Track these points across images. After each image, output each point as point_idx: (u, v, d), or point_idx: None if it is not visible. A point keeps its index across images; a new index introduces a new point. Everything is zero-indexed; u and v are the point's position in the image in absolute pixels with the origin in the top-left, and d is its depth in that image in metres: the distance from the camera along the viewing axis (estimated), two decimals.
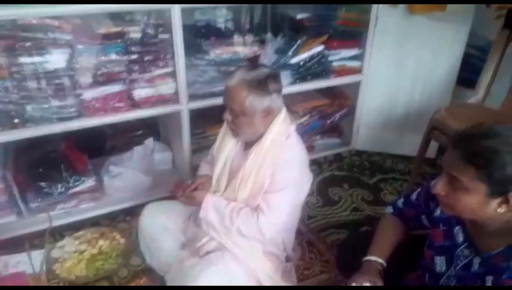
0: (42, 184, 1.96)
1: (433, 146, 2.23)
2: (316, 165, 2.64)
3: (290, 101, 2.44)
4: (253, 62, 2.14)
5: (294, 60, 2.25)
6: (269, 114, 1.51)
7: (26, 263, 1.67)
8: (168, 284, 1.65)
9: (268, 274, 1.61)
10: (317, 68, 2.34)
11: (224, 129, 1.66)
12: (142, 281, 1.77)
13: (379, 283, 1.35)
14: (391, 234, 1.48)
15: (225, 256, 1.53)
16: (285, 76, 2.24)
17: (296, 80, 2.30)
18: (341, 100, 2.60)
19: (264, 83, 1.46)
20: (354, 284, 1.33)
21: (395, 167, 2.68)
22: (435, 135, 2.11)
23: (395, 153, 2.75)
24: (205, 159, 1.81)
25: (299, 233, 2.04)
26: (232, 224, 1.51)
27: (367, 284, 1.31)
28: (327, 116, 2.58)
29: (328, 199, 2.37)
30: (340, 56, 2.40)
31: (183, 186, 1.61)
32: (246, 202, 1.55)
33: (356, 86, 2.52)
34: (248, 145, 1.58)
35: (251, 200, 1.54)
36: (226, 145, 1.63)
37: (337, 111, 2.59)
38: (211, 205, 1.56)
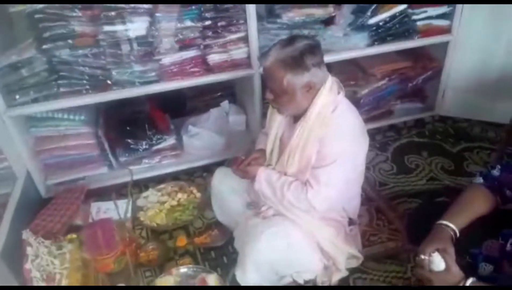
0: (129, 140, 2.18)
1: None
2: (393, 130, 2.52)
3: (367, 63, 2.34)
4: (326, 22, 2.06)
5: (372, 21, 2.12)
6: (311, 89, 1.45)
7: (114, 210, 1.89)
8: (236, 239, 1.76)
9: (329, 239, 1.63)
10: (398, 29, 2.19)
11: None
12: (214, 233, 1.90)
13: (450, 250, 1.29)
14: (475, 205, 1.39)
15: (285, 220, 1.57)
16: (362, 38, 2.13)
17: (374, 41, 2.18)
18: (426, 62, 2.41)
19: (300, 59, 1.39)
20: (422, 257, 1.30)
21: (484, 135, 2.46)
22: None
23: (485, 120, 2.51)
24: (263, 130, 1.83)
25: (368, 199, 2.02)
26: (284, 197, 1.53)
27: (436, 253, 1.27)
28: (408, 79, 2.42)
29: (404, 167, 2.27)
30: (426, 14, 2.20)
31: (238, 161, 1.66)
32: (297, 176, 1.55)
33: (443, 47, 2.31)
34: (296, 118, 1.55)
35: (300, 175, 1.53)
36: (275, 119, 1.62)
37: (420, 74, 2.41)
38: (264, 179, 1.58)
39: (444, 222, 1.36)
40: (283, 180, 1.55)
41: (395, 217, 1.95)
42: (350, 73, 2.27)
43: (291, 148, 1.52)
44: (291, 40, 1.44)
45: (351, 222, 1.72)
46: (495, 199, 1.40)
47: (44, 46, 1.79)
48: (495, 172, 1.41)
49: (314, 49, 1.43)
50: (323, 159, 1.46)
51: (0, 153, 1.86)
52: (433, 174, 2.21)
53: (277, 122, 1.62)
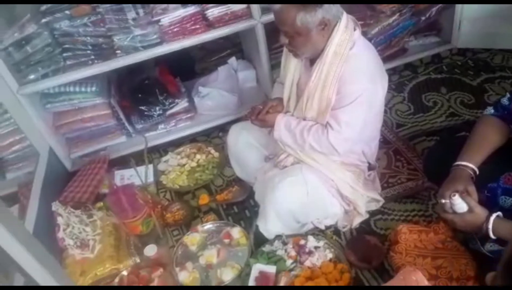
0: (143, 107, 2.20)
1: None
2: (410, 69, 2.44)
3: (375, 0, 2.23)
4: None
5: None
6: (326, 26, 1.40)
7: (136, 176, 1.95)
8: (256, 193, 1.79)
9: (349, 184, 1.64)
10: None
11: (286, 49, 1.59)
12: (235, 189, 1.95)
13: (471, 189, 1.29)
14: (489, 138, 1.36)
15: (303, 168, 1.58)
16: None
17: None
18: None
19: None
20: (443, 201, 1.30)
21: (505, 64, 2.35)
22: None
23: (506, 48, 2.38)
24: (277, 79, 1.81)
25: (385, 142, 2.00)
26: (305, 142, 1.53)
27: (457, 196, 1.27)
28: (421, 12, 2.30)
29: (421, 106, 2.22)
30: None
31: (255, 111, 1.65)
32: (316, 120, 1.53)
33: None
34: (313, 61, 1.51)
35: (320, 117, 1.51)
36: (290, 64, 1.59)
37: (433, 5, 2.28)
38: (283, 126, 1.58)
39: (462, 163, 1.34)
40: (302, 124, 1.54)
41: (414, 157, 1.93)
42: (357, 12, 2.14)
43: (309, 91, 1.50)
44: None
45: (370, 167, 1.72)
46: (508, 128, 1.36)
47: (43, 20, 1.79)
48: (505, 101, 1.36)
49: None
50: (343, 99, 1.44)
51: (20, 133, 1.92)
52: (452, 109, 2.15)
53: (292, 68, 1.59)
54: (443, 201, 1.31)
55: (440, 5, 2.29)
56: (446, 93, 2.26)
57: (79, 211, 1.75)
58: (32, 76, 1.87)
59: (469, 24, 2.35)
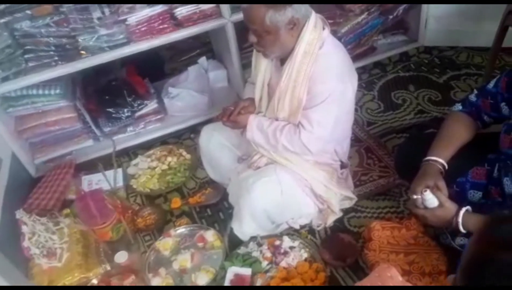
0: (110, 110, 2.13)
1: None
2: (379, 67, 2.48)
3: None
4: None
5: None
6: (295, 25, 1.39)
7: (105, 181, 1.89)
8: (230, 194, 1.77)
9: (322, 183, 1.64)
10: None
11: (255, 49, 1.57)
12: (208, 191, 1.91)
13: (441, 184, 1.32)
14: (457, 133, 1.39)
15: (276, 168, 1.58)
16: None
17: None
18: None
19: None
20: (414, 197, 1.31)
21: (470, 62, 2.42)
22: None
23: (471, 46, 2.46)
24: (249, 79, 1.79)
25: (357, 140, 2.02)
26: (277, 142, 1.52)
27: (428, 191, 1.28)
28: (388, 11, 2.33)
29: (391, 103, 2.25)
30: None
31: (227, 112, 1.63)
32: (288, 120, 1.53)
33: None
34: (283, 61, 1.50)
35: (291, 118, 1.51)
36: (261, 64, 1.57)
37: (400, 4, 2.32)
38: (255, 127, 1.57)
39: (431, 158, 1.37)
40: (275, 125, 1.53)
41: (385, 155, 1.95)
42: (327, 11, 2.16)
43: (280, 92, 1.49)
44: None
45: (342, 165, 1.73)
46: (475, 124, 1.40)
47: (2, 20, 1.70)
48: (473, 97, 1.40)
49: None
50: (314, 98, 1.44)
51: None
52: (421, 107, 2.20)
53: (263, 68, 1.58)
54: (415, 196, 1.33)
55: (407, 4, 2.33)
56: (414, 91, 2.30)
57: (45, 219, 1.68)
58: None
59: (435, 22, 2.41)
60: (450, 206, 1.29)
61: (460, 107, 1.44)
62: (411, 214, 1.53)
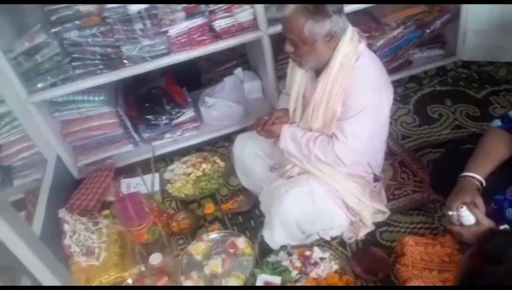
0: (149, 117, 2.22)
1: None
2: (415, 81, 2.46)
3: (380, 12, 2.26)
4: None
5: None
6: (332, 38, 1.41)
7: (143, 185, 1.96)
8: (261, 203, 1.79)
9: (355, 195, 1.64)
10: None
11: (291, 59, 1.60)
12: (240, 198, 1.95)
13: (478, 201, 1.29)
14: (496, 150, 1.37)
15: (309, 179, 1.59)
16: None
17: None
18: (442, 5, 2.28)
19: (322, 6, 1.35)
20: (450, 213, 1.29)
21: (510, 77, 2.36)
22: None
23: (511, 61, 2.39)
24: (283, 90, 1.82)
25: (391, 153, 2.00)
26: (310, 153, 1.53)
27: (464, 208, 1.26)
28: (425, 24, 2.31)
29: (426, 118, 2.22)
30: None
31: (261, 122, 1.66)
32: (322, 131, 1.54)
33: None
34: (318, 72, 1.52)
35: (325, 129, 1.52)
36: (296, 75, 1.60)
37: (437, 18, 2.30)
38: (289, 136, 1.58)
39: (469, 174, 1.34)
40: (308, 135, 1.55)
41: (419, 169, 1.93)
42: (362, 25, 2.17)
43: (315, 103, 1.51)
44: None
45: (376, 178, 1.72)
46: None
47: (53, 30, 1.81)
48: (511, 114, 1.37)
49: None
50: (348, 111, 1.45)
51: (29, 140, 1.94)
52: (458, 122, 2.16)
53: (298, 79, 1.60)
54: (450, 213, 1.31)
55: (445, 17, 2.31)
56: (451, 106, 2.26)
57: (85, 219, 1.76)
58: (41, 85, 1.89)
59: (473, 37, 2.36)
60: (487, 224, 1.26)
61: (499, 123, 1.41)
62: (446, 231, 1.50)
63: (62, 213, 1.75)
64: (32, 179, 2.01)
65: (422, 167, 1.94)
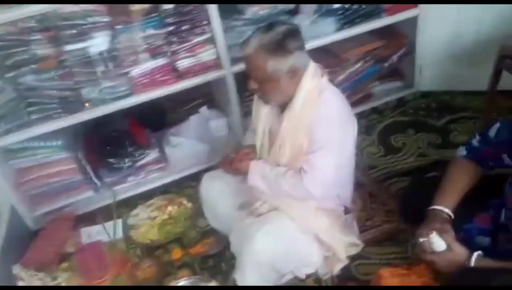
0: (111, 160, 2.13)
1: (507, 76, 1.98)
2: (376, 113, 2.51)
3: (339, 49, 2.32)
4: (291, 12, 2.05)
5: (337, 5, 2.10)
6: (295, 74, 1.43)
7: (105, 233, 1.86)
8: (232, 243, 1.72)
9: (327, 229, 1.61)
10: (366, 8, 2.16)
11: (256, 97, 1.61)
12: (209, 240, 1.88)
13: (448, 228, 1.28)
14: (461, 181, 1.38)
15: (279, 215, 1.56)
16: (330, 23, 2.11)
17: (343, 25, 2.16)
18: (398, 40, 2.39)
19: (283, 43, 1.37)
20: (421, 240, 1.29)
21: (467, 105, 2.44)
22: (506, 64, 1.88)
23: (467, 90, 2.49)
24: (250, 127, 1.81)
25: (359, 184, 2.00)
26: (280, 188, 1.51)
27: (434, 234, 1.25)
28: (383, 59, 2.40)
29: (391, 147, 2.26)
30: None
31: (228, 160, 1.64)
32: (289, 165, 1.52)
33: (413, 21, 2.29)
34: (283, 108, 1.52)
35: (293, 163, 1.51)
36: (261, 112, 1.60)
37: (394, 52, 2.39)
38: (257, 173, 1.56)
39: (437, 207, 1.35)
40: (276, 170, 1.53)
41: (388, 198, 1.93)
42: (323, 60, 2.22)
43: (281, 138, 1.51)
44: (270, 25, 1.42)
45: (346, 210, 1.71)
46: (480, 170, 1.39)
47: (8, 75, 1.75)
48: (475, 143, 1.40)
49: (295, 32, 1.42)
50: (314, 144, 1.45)
51: None
52: (421, 150, 2.20)
53: (263, 115, 1.60)
54: (421, 239, 1.30)
55: (401, 51, 2.40)
56: (414, 134, 2.32)
57: (42, 274, 1.64)
58: None
59: (429, 68, 2.46)
60: (459, 249, 1.26)
61: (464, 153, 1.43)
62: (419, 260, 1.48)
63: (16, 269, 1.62)
64: None
65: (390, 197, 1.94)
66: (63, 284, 1.60)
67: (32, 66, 1.77)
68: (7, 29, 1.66)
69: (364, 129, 2.39)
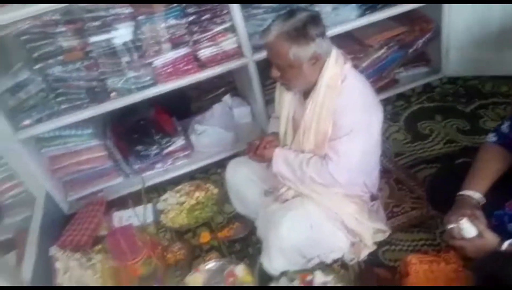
0: (139, 148, 2.19)
1: None
2: (402, 99, 2.48)
3: (362, 35, 2.30)
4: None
5: None
6: (318, 60, 1.43)
7: (136, 217, 1.91)
8: (258, 228, 1.75)
9: (353, 216, 1.61)
10: None
11: (279, 84, 1.61)
12: (236, 225, 1.91)
13: (479, 214, 1.27)
14: (492, 166, 1.36)
15: (305, 202, 1.57)
16: (351, 9, 2.09)
17: (365, 11, 2.12)
18: (422, 25, 2.34)
19: (304, 30, 1.37)
20: (450, 226, 1.27)
21: (496, 90, 2.38)
22: None
23: (496, 75, 2.43)
24: (273, 114, 1.82)
25: (385, 171, 1.99)
26: (304, 175, 1.52)
27: (465, 220, 1.24)
28: (408, 44, 2.35)
29: (418, 134, 2.23)
30: None
31: (252, 147, 1.65)
32: (314, 152, 1.53)
33: (438, 5, 2.24)
34: (306, 94, 1.52)
35: (317, 150, 1.51)
36: (285, 99, 1.60)
37: (419, 37, 2.34)
38: (281, 160, 1.57)
39: (467, 192, 1.33)
40: (301, 157, 1.53)
41: (415, 185, 1.91)
42: (346, 47, 2.20)
43: (305, 125, 1.51)
44: (291, 13, 1.42)
45: (373, 197, 1.70)
46: (510, 155, 1.37)
47: (35, 67, 1.80)
48: (505, 129, 1.37)
49: (316, 19, 1.41)
50: (339, 130, 1.45)
51: (16, 178, 1.90)
52: (449, 136, 2.16)
53: (287, 102, 1.60)
54: (450, 226, 1.28)
55: (426, 36, 2.35)
56: (441, 121, 2.28)
57: (78, 255, 1.71)
58: (27, 122, 1.87)
59: (456, 53, 2.41)
60: (490, 236, 1.24)
61: (494, 139, 1.41)
62: (448, 247, 1.47)
63: (53, 250, 1.69)
64: (21, 217, 1.96)
65: (418, 184, 1.93)
66: (97, 266, 1.66)
67: (59, 57, 1.82)
68: (33, 23, 1.71)
69: (390, 116, 2.37)
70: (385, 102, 2.41)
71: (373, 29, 2.28)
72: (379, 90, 2.34)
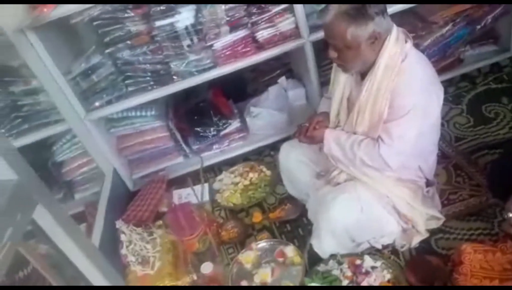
0: (198, 129, 2.29)
1: None
2: (467, 80, 2.34)
3: (427, 11, 2.18)
4: None
5: None
6: (377, 40, 1.38)
7: (194, 195, 2.03)
8: (309, 210, 1.79)
9: (406, 201, 1.59)
10: None
11: (335, 64, 1.58)
12: (287, 207, 1.96)
13: None
14: None
15: (356, 185, 1.56)
16: None
17: None
18: None
19: (363, 8, 1.33)
20: (510, 214, 1.23)
21: None
22: None
23: None
24: (325, 94, 1.81)
25: (444, 156, 1.92)
26: (355, 156, 1.50)
27: None
28: (476, 20, 2.19)
29: (482, 117, 2.11)
30: None
31: (302, 130, 1.65)
32: (367, 134, 1.51)
33: None
34: (363, 75, 1.49)
35: (371, 132, 1.49)
36: (340, 79, 1.58)
37: (488, 12, 2.17)
38: (332, 140, 1.57)
39: None
40: (353, 138, 1.52)
41: (476, 172, 1.83)
42: (408, 25, 2.10)
43: (360, 105, 1.48)
44: None
45: (428, 183, 1.65)
46: None
47: (107, 51, 1.92)
48: None
49: None
50: (395, 112, 1.41)
51: (88, 155, 2.08)
52: None
53: (342, 82, 1.58)
54: (511, 215, 1.24)
55: (497, 11, 2.18)
56: (508, 103, 2.13)
57: (140, 229, 1.85)
58: (97, 103, 2.01)
59: None
60: None
61: None
62: (506, 237, 1.41)
63: (119, 224, 1.85)
64: (91, 192, 2.15)
65: (478, 170, 1.84)
66: (158, 240, 1.80)
67: (128, 42, 1.92)
68: (104, 8, 1.80)
69: (452, 98, 2.26)
70: (447, 84, 2.29)
71: (438, 5, 2.16)
72: (441, 70, 2.22)
